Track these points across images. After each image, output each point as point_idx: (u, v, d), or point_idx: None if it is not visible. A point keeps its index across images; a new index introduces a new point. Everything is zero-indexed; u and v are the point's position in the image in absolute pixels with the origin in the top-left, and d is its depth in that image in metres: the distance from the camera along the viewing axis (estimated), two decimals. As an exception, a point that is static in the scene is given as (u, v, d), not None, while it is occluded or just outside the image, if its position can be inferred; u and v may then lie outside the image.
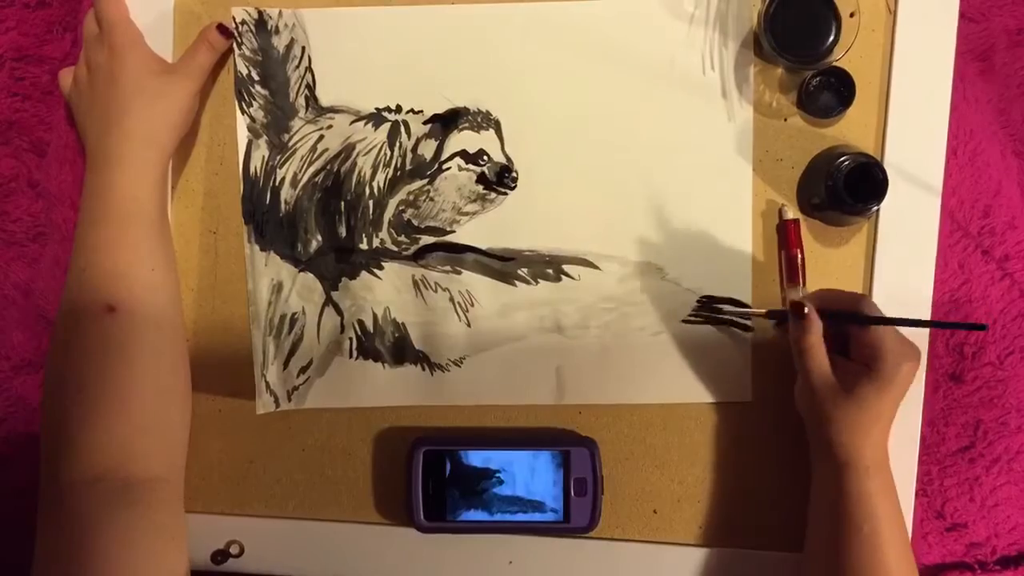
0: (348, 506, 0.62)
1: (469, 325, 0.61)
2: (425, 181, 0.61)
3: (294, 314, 0.61)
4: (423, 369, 0.62)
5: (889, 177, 0.56)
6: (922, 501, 0.62)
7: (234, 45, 0.60)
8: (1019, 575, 0.62)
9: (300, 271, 0.61)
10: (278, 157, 0.61)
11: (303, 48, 0.60)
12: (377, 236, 0.61)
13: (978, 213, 0.61)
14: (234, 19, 0.60)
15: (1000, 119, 0.64)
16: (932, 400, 0.61)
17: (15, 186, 0.66)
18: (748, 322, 0.60)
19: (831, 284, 0.60)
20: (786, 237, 0.60)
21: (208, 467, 0.63)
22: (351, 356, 0.62)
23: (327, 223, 0.61)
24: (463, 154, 0.60)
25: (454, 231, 0.61)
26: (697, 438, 0.61)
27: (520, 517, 0.59)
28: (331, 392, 0.62)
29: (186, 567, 0.52)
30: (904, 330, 0.54)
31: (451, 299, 0.61)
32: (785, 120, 0.60)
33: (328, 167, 0.61)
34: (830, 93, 0.59)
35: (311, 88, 0.61)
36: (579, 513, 0.58)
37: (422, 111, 0.61)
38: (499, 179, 0.61)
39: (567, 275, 0.61)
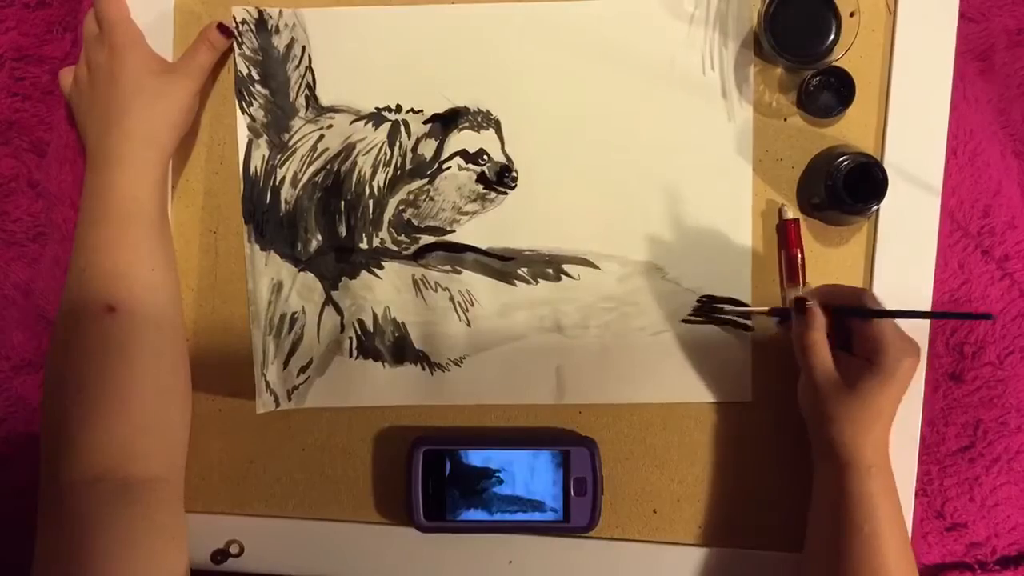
0: (348, 506, 0.62)
1: (469, 325, 0.61)
2: (425, 181, 0.61)
3: (294, 313, 0.61)
4: (423, 369, 0.62)
5: (889, 177, 0.56)
6: (922, 501, 0.62)
7: (234, 44, 0.60)
8: (1019, 575, 0.62)
9: (300, 271, 0.61)
10: (278, 156, 0.61)
11: (303, 48, 0.61)
12: (377, 236, 0.61)
13: (978, 213, 0.61)
14: (234, 18, 0.60)
15: (1000, 119, 0.64)
16: (932, 400, 0.61)
17: (15, 186, 0.66)
18: (748, 322, 0.60)
19: (831, 283, 0.60)
20: (786, 237, 0.60)
21: (208, 467, 0.63)
22: (351, 355, 0.62)
23: (327, 223, 0.61)
24: (463, 154, 0.61)
25: (454, 231, 0.61)
26: (697, 438, 0.61)
27: (520, 517, 0.59)
28: (331, 392, 0.62)
29: (186, 567, 0.52)
30: (905, 328, 0.54)
31: (451, 299, 0.61)
32: (785, 120, 0.60)
33: (328, 167, 0.61)
34: (830, 93, 0.59)
35: (311, 88, 0.61)
36: (579, 513, 0.58)
37: (422, 111, 0.61)
38: (499, 179, 0.61)
39: (567, 275, 0.61)
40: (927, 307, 0.60)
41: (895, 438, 0.54)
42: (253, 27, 0.60)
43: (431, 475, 0.59)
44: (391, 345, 0.62)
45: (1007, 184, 0.62)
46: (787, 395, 0.58)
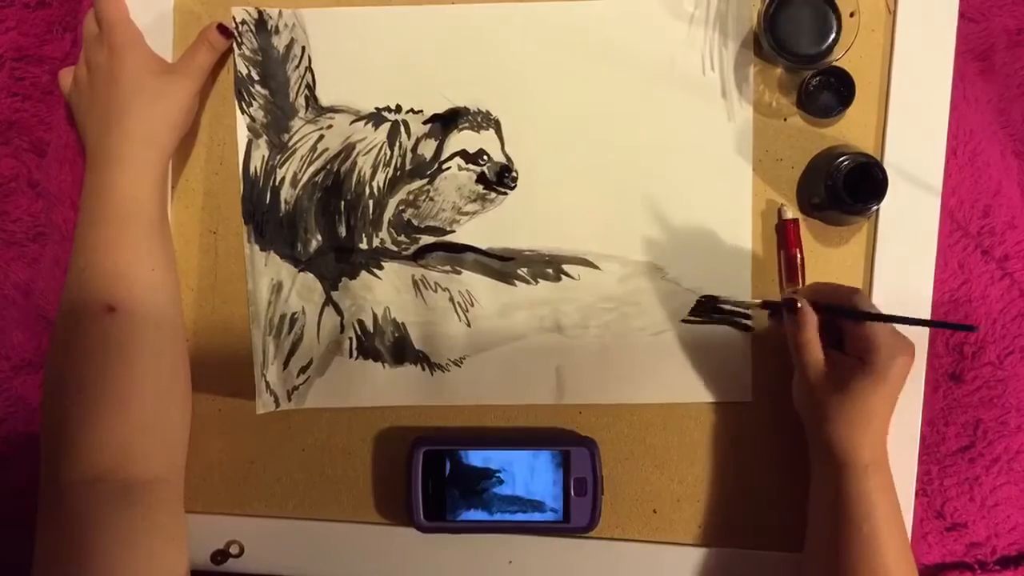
0: (348, 506, 0.62)
1: (469, 325, 0.61)
2: (425, 181, 0.61)
3: (294, 314, 0.61)
4: (423, 369, 0.62)
5: (889, 177, 0.56)
6: (922, 501, 0.62)
7: (234, 45, 0.60)
8: (1019, 575, 0.62)
9: (300, 271, 0.61)
10: (278, 157, 0.61)
11: (303, 48, 0.60)
12: (377, 236, 0.61)
13: (978, 213, 0.61)
14: (234, 19, 0.60)
15: (1000, 119, 0.64)
16: (932, 400, 0.61)
17: (15, 186, 0.66)
18: (748, 322, 0.60)
19: (824, 281, 0.60)
20: (785, 237, 0.60)
21: (208, 467, 0.63)
22: (351, 356, 0.62)
23: (327, 223, 0.61)
24: (463, 154, 0.60)
25: (454, 231, 0.61)
26: (697, 438, 0.61)
27: (520, 517, 0.59)
28: (331, 392, 0.62)
29: (186, 567, 0.52)
30: (905, 327, 0.54)
31: (451, 299, 0.61)
32: (785, 120, 0.60)
33: (328, 167, 0.61)
34: (830, 93, 0.59)
35: (311, 88, 0.61)
36: (579, 513, 0.58)
37: (422, 111, 0.61)
38: (499, 179, 0.61)
39: (567, 275, 0.61)
40: (927, 307, 0.60)
41: (895, 438, 0.54)
42: (253, 27, 0.60)
43: (431, 475, 0.59)
44: (391, 345, 0.62)
45: (1007, 184, 0.62)
46: (787, 395, 0.58)
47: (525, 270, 0.61)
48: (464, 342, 0.61)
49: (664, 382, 0.61)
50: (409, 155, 0.61)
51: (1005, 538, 0.62)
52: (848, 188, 0.55)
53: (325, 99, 0.61)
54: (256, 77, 0.61)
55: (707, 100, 0.60)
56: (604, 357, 0.61)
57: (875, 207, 0.58)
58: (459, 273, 0.61)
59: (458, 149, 0.61)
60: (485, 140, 0.60)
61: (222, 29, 0.59)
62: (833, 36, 0.57)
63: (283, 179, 0.61)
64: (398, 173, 0.61)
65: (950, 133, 0.59)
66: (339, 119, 0.61)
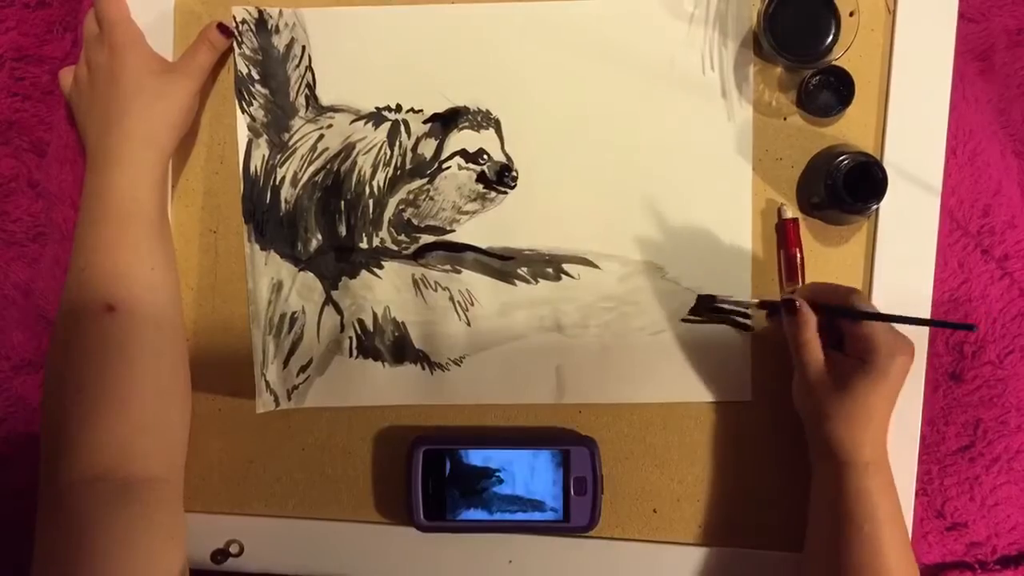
0: (348, 505, 0.62)
1: (469, 324, 0.61)
2: (425, 180, 0.61)
3: (294, 313, 0.61)
4: (423, 368, 0.62)
5: (889, 176, 0.56)
6: (922, 500, 0.62)
7: (234, 44, 0.60)
8: (1019, 575, 0.62)
9: (300, 270, 0.61)
10: (278, 156, 0.61)
11: (303, 47, 0.61)
12: (377, 235, 0.61)
13: (978, 212, 0.61)
14: (234, 18, 0.60)
15: (1000, 119, 0.64)
16: (932, 399, 0.61)
17: (15, 186, 0.66)
18: (748, 321, 0.60)
19: (821, 281, 0.60)
20: (785, 236, 0.60)
21: (208, 467, 0.63)
22: (351, 355, 0.62)
23: (327, 222, 0.61)
24: (463, 153, 0.61)
25: (454, 230, 0.61)
26: (697, 437, 0.61)
27: (520, 516, 0.59)
28: (331, 391, 0.62)
29: (185, 566, 0.52)
30: (904, 326, 0.54)
31: (451, 298, 0.61)
32: (785, 119, 0.60)
33: (328, 166, 0.61)
34: (830, 92, 0.59)
35: (311, 87, 0.61)
36: (579, 512, 0.58)
37: (422, 110, 0.61)
38: (499, 178, 0.61)
39: (567, 274, 0.61)
40: (927, 307, 0.60)
41: (895, 438, 0.54)
42: (253, 27, 0.60)
43: (431, 475, 0.59)
44: (391, 345, 0.62)
45: (1007, 184, 0.62)
46: (787, 394, 0.58)
47: (525, 269, 0.61)
48: (464, 341, 0.61)
49: (664, 382, 0.61)
50: (409, 154, 0.61)
51: (1005, 537, 0.62)
52: (848, 187, 0.55)
53: (325, 98, 0.61)
54: (256, 76, 0.61)
55: (707, 100, 0.60)
56: (604, 357, 0.61)
57: (875, 206, 0.58)
58: (459, 272, 0.61)
59: (458, 148, 0.61)
60: (485, 139, 0.60)
61: (222, 28, 0.59)
62: (833, 35, 0.57)
63: (283, 178, 0.61)
64: (398, 172, 0.61)
65: (950, 133, 0.59)
66: (339, 118, 0.61)
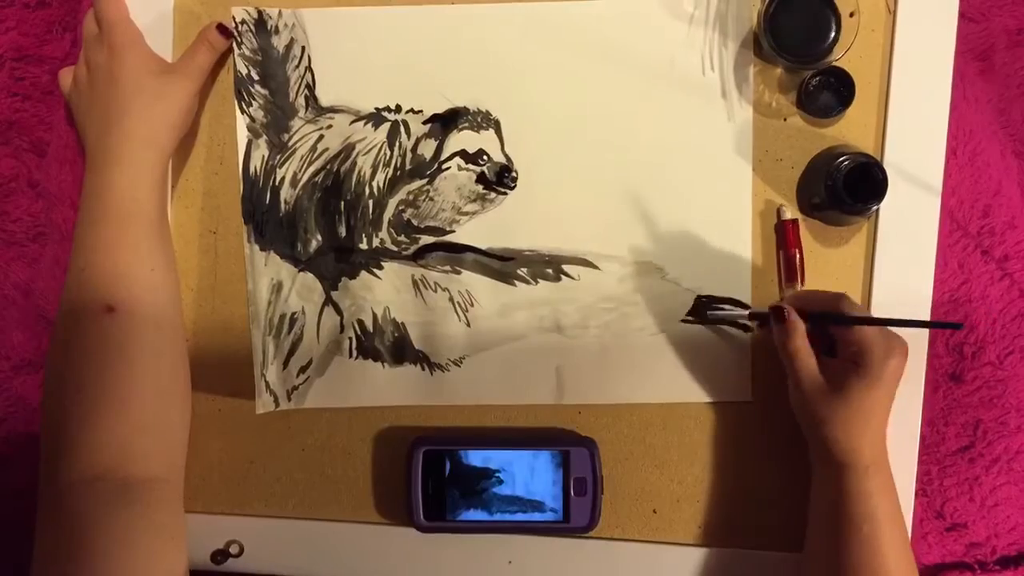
0: (348, 506, 0.62)
1: (469, 325, 0.61)
2: (425, 181, 0.61)
3: (294, 314, 0.61)
4: (423, 369, 0.62)
5: (889, 177, 0.56)
6: (922, 501, 0.62)
7: (234, 45, 0.60)
8: (1019, 575, 0.62)
9: (300, 271, 0.61)
10: (278, 157, 0.61)
11: (303, 48, 0.60)
12: (377, 236, 0.61)
13: (978, 213, 0.61)
14: (234, 19, 0.60)
15: (1000, 119, 0.64)
16: (932, 400, 0.61)
17: (15, 186, 0.66)
18: (748, 322, 0.60)
19: (831, 284, 0.60)
20: (784, 237, 0.60)
21: (208, 467, 0.63)
22: (351, 356, 0.62)
23: (327, 223, 0.61)
24: (463, 154, 0.60)
25: (454, 231, 0.61)
26: (697, 438, 0.61)
27: (520, 517, 0.59)
28: (331, 392, 0.62)
29: (185, 567, 0.52)
30: (902, 329, 0.54)
31: (451, 299, 0.61)
32: (785, 120, 0.60)
33: (328, 167, 0.61)
34: (830, 93, 0.59)
35: (311, 88, 0.61)
36: (579, 513, 0.58)
37: (422, 111, 0.61)
38: (499, 179, 0.61)
39: (567, 275, 0.61)
40: (927, 307, 0.60)
41: (895, 438, 0.54)
42: (252, 27, 0.60)
43: (431, 475, 0.59)
44: (391, 345, 0.62)
45: (1007, 184, 0.62)
46: (786, 394, 0.58)
47: (525, 270, 0.61)
48: (464, 342, 0.61)
49: (664, 382, 0.61)
50: (409, 155, 0.61)
51: (1005, 538, 0.62)
52: (848, 188, 0.55)
53: (325, 99, 0.61)
54: (256, 77, 0.61)
55: (707, 100, 0.60)
56: (604, 357, 0.61)
57: (875, 207, 0.58)
58: (459, 273, 0.61)
59: (458, 149, 0.61)
60: (485, 140, 0.60)
61: (222, 29, 0.59)
62: (833, 36, 0.57)
63: (283, 179, 0.61)
64: (398, 173, 0.61)
65: (950, 133, 0.59)
66: (339, 119, 0.61)
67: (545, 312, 0.61)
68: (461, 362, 0.61)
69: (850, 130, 0.60)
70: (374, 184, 0.61)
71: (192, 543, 0.54)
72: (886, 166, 0.57)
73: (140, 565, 0.49)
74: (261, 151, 0.61)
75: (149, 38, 0.59)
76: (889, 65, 0.59)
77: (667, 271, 0.60)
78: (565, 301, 0.61)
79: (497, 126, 0.60)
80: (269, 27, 0.60)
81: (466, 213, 0.61)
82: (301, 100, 0.61)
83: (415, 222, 0.61)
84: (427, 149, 0.61)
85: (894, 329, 0.54)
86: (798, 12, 0.56)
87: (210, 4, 0.61)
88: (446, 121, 0.60)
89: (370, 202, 0.61)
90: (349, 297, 0.61)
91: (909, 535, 0.56)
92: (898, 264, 0.60)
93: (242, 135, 0.61)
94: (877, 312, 0.59)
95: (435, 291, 0.61)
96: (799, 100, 0.59)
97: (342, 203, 0.61)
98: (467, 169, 0.61)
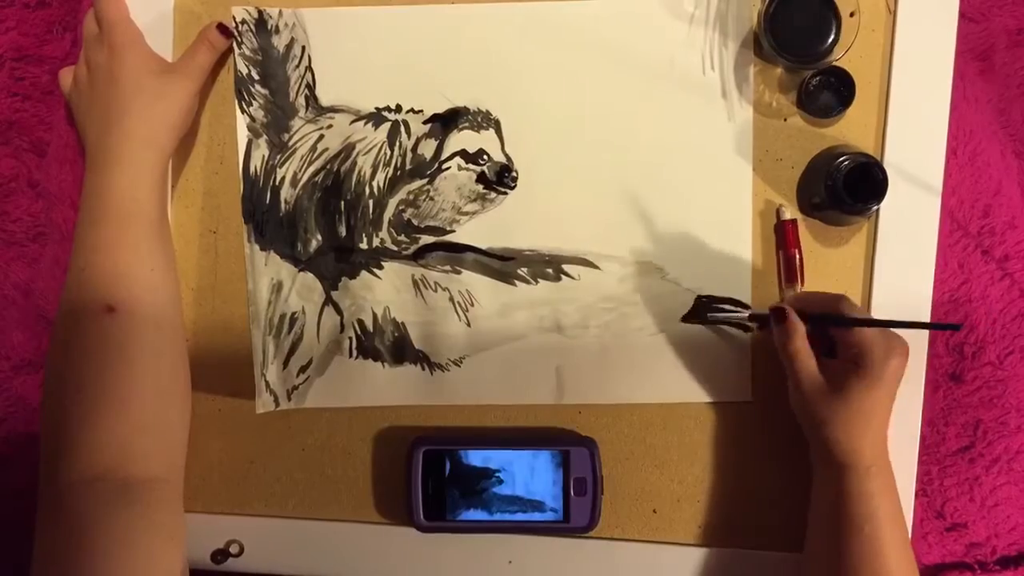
0: (348, 506, 0.62)
1: (469, 325, 0.61)
2: (425, 181, 0.61)
3: (294, 313, 0.61)
4: (423, 369, 0.62)
5: (889, 177, 0.56)
6: (922, 501, 0.62)
7: (234, 45, 0.60)
8: (1019, 575, 0.62)
9: (300, 271, 0.61)
10: (278, 156, 0.61)
11: (303, 47, 0.60)
12: (377, 236, 0.61)
13: (978, 213, 0.61)
14: (234, 18, 0.60)
15: (1000, 119, 0.64)
16: (932, 400, 0.61)
17: (15, 186, 0.66)
18: (748, 322, 0.60)
19: (831, 284, 0.60)
20: (784, 237, 0.60)
21: (208, 467, 0.63)
22: (351, 355, 0.62)
23: (327, 223, 0.61)
24: (463, 154, 0.60)
25: (454, 231, 0.61)
26: (697, 438, 0.61)
27: (520, 517, 0.59)
28: (331, 392, 0.62)
29: (185, 566, 0.52)
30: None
31: (451, 299, 0.61)
32: (785, 120, 0.60)
33: (328, 167, 0.61)
34: (830, 93, 0.59)
35: (311, 88, 0.61)
36: (579, 513, 0.58)
37: (422, 111, 0.61)
38: (499, 179, 0.61)
39: (567, 275, 0.61)
40: (927, 307, 0.60)
41: (895, 438, 0.54)
42: (253, 27, 0.60)
43: (431, 475, 0.59)
44: (391, 345, 0.62)
45: (1007, 184, 0.62)
46: (786, 395, 0.58)
47: (525, 270, 0.61)
48: (464, 342, 0.61)
49: (664, 382, 0.61)
50: (409, 155, 0.61)
51: (1005, 538, 0.62)
52: (848, 188, 0.55)
53: (325, 99, 0.61)
54: (256, 77, 0.61)
55: (707, 100, 0.60)
56: (604, 357, 0.61)
57: (875, 207, 0.58)
58: (459, 273, 0.61)
59: (458, 149, 0.61)
60: (485, 140, 0.60)
61: (222, 29, 0.59)
62: (833, 36, 0.57)
63: (283, 179, 0.61)
64: (398, 173, 0.61)
65: (950, 133, 0.59)
66: (339, 119, 0.61)
67: (545, 312, 0.61)
68: (461, 362, 0.61)
69: (850, 130, 0.60)
70: (374, 184, 0.61)
71: (192, 543, 0.54)
72: (886, 166, 0.57)
73: (140, 565, 0.49)
74: (261, 151, 0.61)
75: (149, 38, 0.59)
76: (889, 65, 0.59)
77: (667, 271, 0.60)
78: (565, 301, 0.61)
79: (497, 126, 0.60)
80: (269, 27, 0.60)
81: (466, 213, 0.61)
82: (301, 100, 0.61)
83: (415, 222, 0.61)
84: (427, 149, 0.61)
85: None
86: (798, 12, 0.56)
87: (210, 4, 0.61)
88: (446, 121, 0.60)
89: (370, 202, 0.61)
90: (349, 297, 0.61)
91: (909, 535, 0.56)
92: (898, 264, 0.60)
93: (242, 135, 0.61)
94: (877, 312, 0.59)
95: (435, 291, 0.61)
96: (799, 100, 0.59)
97: (342, 203, 0.61)
98: (467, 169, 0.61)
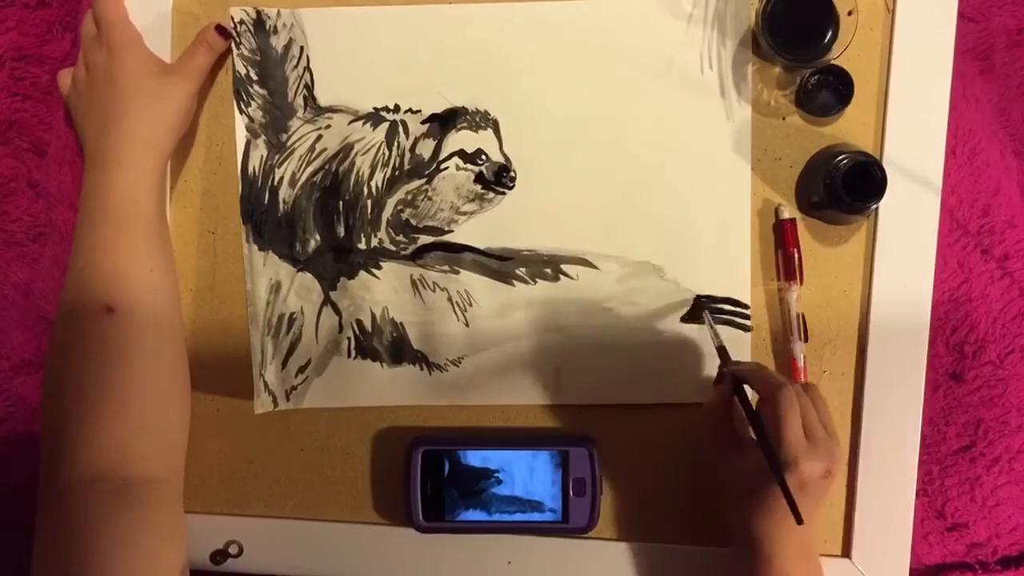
0: (347, 506, 0.62)
1: (467, 325, 0.61)
2: (423, 181, 0.61)
3: (292, 314, 0.61)
4: (421, 369, 0.61)
5: (888, 176, 0.56)
6: (923, 501, 0.62)
7: (232, 45, 0.60)
8: (1020, 575, 0.62)
9: (298, 271, 0.61)
10: (276, 157, 0.61)
11: (301, 48, 0.60)
12: (375, 236, 0.61)
13: (977, 212, 0.61)
14: (232, 19, 0.60)
15: (1000, 119, 0.64)
16: (932, 399, 0.61)
17: (15, 186, 0.66)
18: (747, 322, 0.60)
19: (831, 283, 0.60)
20: (783, 236, 0.59)
21: (207, 467, 0.63)
22: (349, 356, 0.62)
23: (325, 223, 0.61)
24: (461, 154, 0.60)
25: (452, 231, 0.61)
26: (696, 438, 0.61)
27: (519, 517, 0.59)
28: (329, 392, 0.62)
29: (185, 567, 0.52)
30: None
31: (449, 299, 0.61)
32: (783, 119, 0.60)
33: (326, 167, 0.61)
34: (828, 91, 0.59)
35: (309, 88, 0.61)
36: (578, 513, 0.58)
37: (420, 111, 0.61)
38: (497, 179, 0.60)
39: (565, 275, 0.61)
40: (927, 307, 0.59)
41: (895, 438, 0.54)
42: (251, 28, 0.60)
43: (430, 475, 0.59)
44: (389, 345, 0.62)
45: (1007, 183, 0.62)
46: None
47: (523, 270, 0.61)
48: (462, 342, 0.61)
49: (663, 382, 0.61)
50: (407, 155, 0.61)
51: (1006, 538, 0.62)
52: (847, 187, 0.55)
53: (323, 99, 0.61)
54: (254, 77, 0.61)
55: (705, 99, 0.60)
56: (603, 357, 0.61)
57: (874, 206, 0.57)
58: (457, 273, 0.61)
59: (456, 149, 0.60)
60: (483, 140, 0.60)
61: (220, 30, 0.59)
62: (831, 35, 0.57)
63: (281, 179, 0.61)
64: (396, 173, 0.61)
65: (949, 132, 0.59)
66: (337, 119, 0.61)
67: (544, 312, 0.61)
68: (460, 362, 0.61)
69: (849, 129, 0.60)
70: (372, 184, 0.61)
71: (192, 543, 0.54)
72: (885, 165, 0.57)
73: (140, 565, 0.49)
74: (260, 151, 0.61)
75: (148, 39, 0.59)
76: (888, 64, 0.59)
77: (666, 271, 0.60)
78: (564, 301, 0.61)
79: (495, 126, 0.60)
80: (268, 27, 0.60)
81: (464, 213, 0.61)
82: (300, 100, 0.61)
83: (413, 222, 0.61)
84: (425, 149, 0.61)
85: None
86: (797, 10, 0.56)
87: (209, 5, 0.61)
88: (444, 121, 0.60)
89: (368, 202, 0.61)
90: (348, 297, 0.61)
91: (910, 535, 0.56)
92: (898, 263, 0.60)
93: (241, 135, 0.61)
94: (878, 312, 0.59)
95: (434, 291, 0.61)
96: (798, 99, 0.59)
97: (340, 203, 0.61)
98: (465, 169, 0.60)
